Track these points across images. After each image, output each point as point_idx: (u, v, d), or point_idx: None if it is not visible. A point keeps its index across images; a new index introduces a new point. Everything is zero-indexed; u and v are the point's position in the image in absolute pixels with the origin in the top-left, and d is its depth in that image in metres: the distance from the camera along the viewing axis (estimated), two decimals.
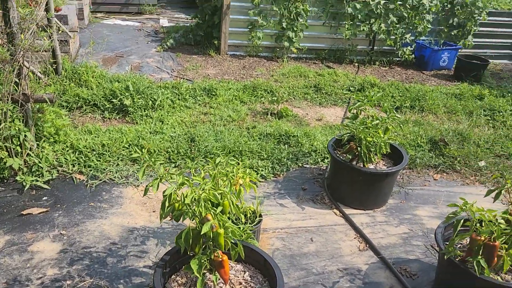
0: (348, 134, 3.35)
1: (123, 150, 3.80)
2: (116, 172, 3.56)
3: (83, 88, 4.80)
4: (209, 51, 6.86)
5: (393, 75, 6.79)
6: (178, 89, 5.08)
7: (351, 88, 5.81)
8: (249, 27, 6.72)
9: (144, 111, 4.54)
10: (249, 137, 4.20)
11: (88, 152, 3.69)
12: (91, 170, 3.54)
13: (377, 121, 3.21)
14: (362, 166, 3.29)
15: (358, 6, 6.71)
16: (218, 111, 4.80)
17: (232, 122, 4.61)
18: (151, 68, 6.09)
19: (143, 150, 2.22)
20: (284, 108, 4.91)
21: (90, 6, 8.67)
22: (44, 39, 3.74)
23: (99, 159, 3.67)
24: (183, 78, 5.75)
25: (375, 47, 7.31)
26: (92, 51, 5.85)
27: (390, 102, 5.48)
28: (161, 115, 4.49)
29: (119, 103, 4.55)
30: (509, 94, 5.85)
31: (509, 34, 7.84)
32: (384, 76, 6.71)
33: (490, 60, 7.04)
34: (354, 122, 3.36)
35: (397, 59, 7.35)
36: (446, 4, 7.19)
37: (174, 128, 4.26)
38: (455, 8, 7.19)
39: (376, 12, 6.80)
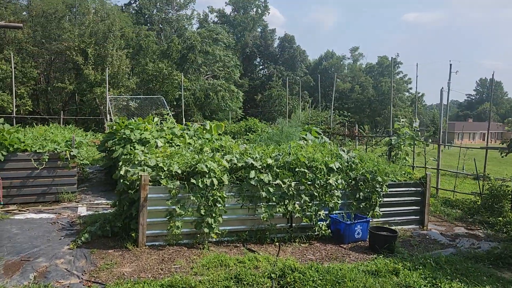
0: None
1: None
2: None
3: None
4: (127, 244, 6.64)
5: (314, 253, 6.93)
6: None
7: (272, 275, 5.74)
8: (167, 217, 6.74)
9: None
10: None
11: None
12: None
13: None
14: None
15: (271, 189, 7.15)
16: None
17: None
18: (60, 273, 5.63)
19: None
20: None
21: (0, 202, 8.33)
22: None
23: None
24: (95, 282, 5.35)
25: (293, 224, 7.59)
26: None
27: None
28: None
29: None
30: (421, 267, 6.12)
31: (409, 202, 8.64)
32: (305, 254, 6.81)
33: (396, 228, 7.55)
34: None
35: (316, 234, 7.61)
36: (350, 181, 7.93)
37: None
38: (359, 184, 7.93)
39: (288, 194, 7.26)
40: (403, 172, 8.94)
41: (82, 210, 8.82)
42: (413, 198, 8.68)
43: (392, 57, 16.56)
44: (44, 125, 15.93)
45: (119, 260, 6.16)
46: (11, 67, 19.18)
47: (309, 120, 17.53)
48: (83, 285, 5.29)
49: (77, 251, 6.44)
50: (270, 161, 7.40)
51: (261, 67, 65.22)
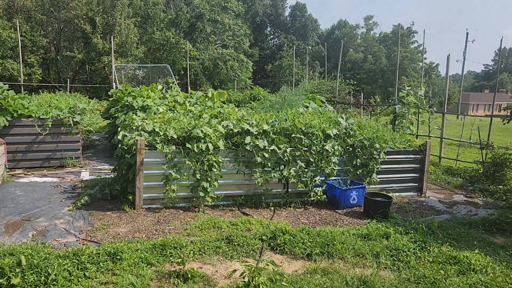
0: None
1: None
2: None
3: None
4: (124, 206, 6.81)
5: (308, 217, 7.02)
6: (79, 257, 4.83)
7: (263, 237, 5.86)
8: (163, 180, 6.87)
9: None
10: None
11: None
12: None
13: None
14: None
15: (266, 155, 7.19)
16: (120, 279, 4.55)
17: None
18: (58, 232, 5.84)
19: None
20: (191, 269, 4.76)
21: (5, 166, 8.56)
22: None
23: None
24: (91, 241, 5.54)
25: (289, 189, 7.66)
26: None
27: (301, 249, 5.54)
28: None
29: (6, 282, 4.19)
30: (412, 231, 6.17)
31: (408, 169, 8.62)
32: (299, 219, 6.92)
33: (394, 194, 7.58)
34: None
35: (312, 199, 7.69)
36: (348, 147, 7.92)
37: None
38: (356, 151, 7.92)
39: (284, 159, 7.30)
40: (403, 139, 8.88)
41: (85, 175, 9.02)
42: (412, 165, 8.65)
43: (398, 25, 16.07)
44: (51, 93, 16.08)
45: (116, 221, 6.34)
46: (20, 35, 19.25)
47: (315, 89, 17.39)
48: (79, 243, 5.49)
49: (76, 212, 6.64)
50: (266, 127, 7.41)
51: (271, 36, 64.22)
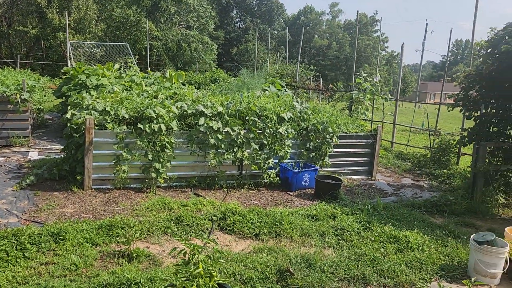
0: (170, 287, 3.28)
1: None
2: None
3: None
4: (73, 187, 6.64)
5: (260, 198, 7.12)
6: (19, 237, 4.68)
7: (213, 218, 5.90)
8: (114, 161, 6.73)
9: None
10: None
11: None
12: None
13: (200, 269, 3.20)
14: None
15: (220, 137, 7.18)
16: (62, 259, 4.46)
17: (75, 271, 4.28)
18: None
19: None
20: (136, 248, 4.74)
21: None
22: None
23: None
24: (34, 222, 5.38)
25: (243, 171, 7.72)
26: None
27: (249, 229, 5.62)
28: None
29: None
30: (358, 212, 6.40)
31: (360, 153, 8.88)
32: (251, 200, 7.00)
33: (345, 178, 7.80)
34: (181, 270, 3.31)
35: (265, 181, 7.79)
36: (302, 131, 8.05)
37: None
38: (310, 134, 8.06)
39: (237, 141, 7.32)
40: (356, 124, 9.11)
41: (33, 155, 8.70)
42: (363, 149, 8.91)
43: (357, 13, 16.32)
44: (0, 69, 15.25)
45: (62, 201, 6.18)
46: None
47: (277, 74, 17.46)
48: (21, 224, 5.32)
49: (20, 192, 6.41)
50: (220, 108, 7.38)
51: (237, 19, 63.47)
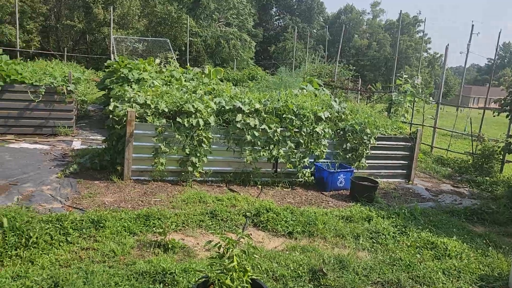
0: (204, 279, 3.33)
1: None
2: None
3: None
4: (113, 176, 6.86)
5: (294, 197, 7.10)
6: (62, 222, 4.90)
7: (247, 214, 5.94)
8: (153, 153, 6.90)
9: (14, 251, 4.27)
10: (123, 276, 4.03)
11: None
12: None
13: (234, 263, 3.24)
14: None
15: (256, 134, 7.21)
16: (101, 246, 4.63)
17: (113, 257, 4.43)
18: (44, 197, 5.90)
19: None
20: (172, 239, 4.85)
21: None
22: None
23: None
24: (76, 208, 5.61)
25: (278, 169, 7.72)
26: None
27: (283, 227, 5.62)
28: (33, 254, 4.24)
29: None
30: (394, 216, 6.26)
31: (398, 156, 8.67)
32: (285, 198, 6.99)
33: (381, 180, 7.64)
34: (216, 262, 3.36)
35: (300, 180, 7.75)
36: (339, 131, 7.95)
37: (44, 269, 4.00)
38: (347, 135, 7.95)
39: (274, 139, 7.33)
40: (395, 126, 8.90)
41: (77, 144, 9.05)
42: (401, 152, 8.69)
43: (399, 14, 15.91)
44: (48, 61, 15.96)
45: (103, 190, 6.41)
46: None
47: (315, 73, 17.30)
48: (64, 209, 5.56)
49: (64, 180, 6.69)
50: (258, 105, 7.41)
51: (276, 17, 63.33)
